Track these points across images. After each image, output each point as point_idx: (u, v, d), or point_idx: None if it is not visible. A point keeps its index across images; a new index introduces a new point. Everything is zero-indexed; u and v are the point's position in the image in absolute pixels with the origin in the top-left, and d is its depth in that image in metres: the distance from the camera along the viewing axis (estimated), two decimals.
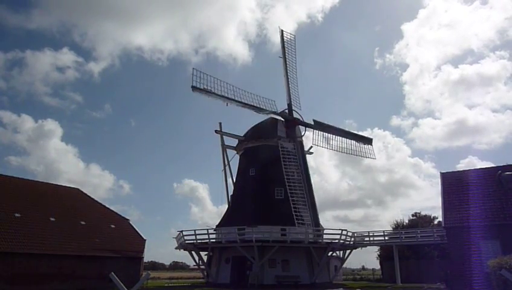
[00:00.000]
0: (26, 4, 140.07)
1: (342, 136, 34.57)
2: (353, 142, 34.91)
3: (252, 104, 32.09)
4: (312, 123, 33.86)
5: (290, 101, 33.86)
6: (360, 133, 36.80)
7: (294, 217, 28.05)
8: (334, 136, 34.06)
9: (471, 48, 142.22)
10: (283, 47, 35.50)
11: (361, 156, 35.44)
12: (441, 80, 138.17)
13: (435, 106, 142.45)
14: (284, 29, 36.17)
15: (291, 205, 28.57)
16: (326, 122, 34.20)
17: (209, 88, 29.97)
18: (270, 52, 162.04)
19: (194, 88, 29.39)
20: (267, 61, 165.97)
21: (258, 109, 32.22)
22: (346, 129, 36.14)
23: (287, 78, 34.32)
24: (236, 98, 31.40)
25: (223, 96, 30.67)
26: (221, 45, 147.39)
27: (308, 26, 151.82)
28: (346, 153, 34.78)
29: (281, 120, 33.43)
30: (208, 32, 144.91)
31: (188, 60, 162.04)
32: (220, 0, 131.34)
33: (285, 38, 36.01)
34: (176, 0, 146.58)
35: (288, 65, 34.87)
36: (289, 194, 29.08)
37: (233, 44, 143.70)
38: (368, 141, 35.94)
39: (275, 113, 33.14)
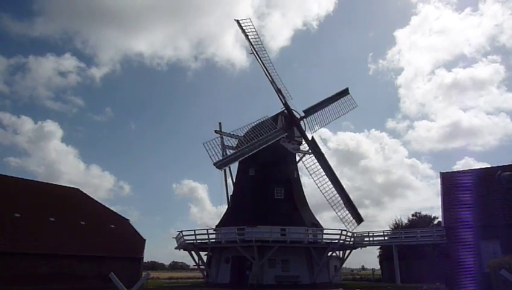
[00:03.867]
0: (29, 13, 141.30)
1: (328, 106, 34.30)
2: (336, 104, 34.68)
3: (261, 144, 29.72)
4: (303, 114, 33.49)
5: (286, 101, 33.34)
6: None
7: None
8: (329, 131, 33.80)
9: (463, 54, 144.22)
10: (247, 39, 33.14)
11: (347, 111, 35.23)
12: (435, 83, 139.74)
13: (429, 109, 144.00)
14: (238, 19, 33.61)
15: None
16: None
17: (227, 156, 29.38)
18: (266, 58, 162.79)
19: (216, 165, 27.59)
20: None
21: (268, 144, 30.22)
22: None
23: (271, 76, 32.77)
24: (248, 149, 29.13)
25: (239, 155, 29.33)
26: (219, 52, 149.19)
27: (304, 34, 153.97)
28: (335, 118, 34.69)
29: (281, 120, 33.29)
30: (206, 39, 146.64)
31: (188, 66, 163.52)
32: (219, 8, 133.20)
33: (244, 27, 33.35)
34: (176, 9, 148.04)
35: (262, 58, 33.02)
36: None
37: (231, 50, 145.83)
38: (344, 92, 35.42)
39: (276, 134, 31.09)
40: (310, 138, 33.21)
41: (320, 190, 31.53)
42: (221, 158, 28.32)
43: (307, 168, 32.24)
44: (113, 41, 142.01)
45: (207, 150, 27.67)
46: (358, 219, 31.62)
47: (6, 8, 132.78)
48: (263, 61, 33.07)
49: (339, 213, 31.12)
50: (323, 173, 31.96)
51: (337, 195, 31.46)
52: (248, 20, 34.14)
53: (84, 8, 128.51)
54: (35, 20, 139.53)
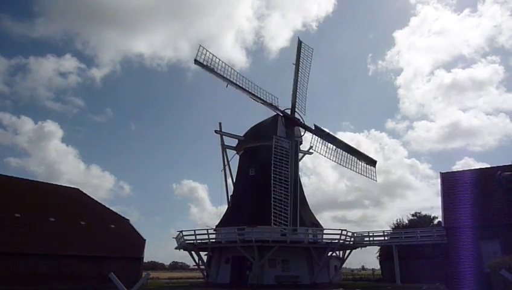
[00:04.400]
0: (30, 14, 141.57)
1: (343, 150, 33.23)
2: (357, 159, 33.52)
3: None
4: (312, 128, 33.31)
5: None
6: (363, 152, 34.63)
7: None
8: (334, 146, 33.11)
9: (462, 54, 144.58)
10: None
11: (361, 174, 33.66)
12: (434, 84, 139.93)
13: (429, 110, 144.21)
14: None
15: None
16: (327, 130, 33.71)
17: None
18: (266, 58, 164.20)
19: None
20: (263, 67, 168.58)
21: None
22: (353, 146, 34.49)
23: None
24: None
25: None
26: (219, 53, 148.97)
27: (303, 35, 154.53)
28: (345, 166, 33.27)
29: (281, 120, 33.32)
30: (206, 40, 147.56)
31: (188, 67, 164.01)
32: (219, 9, 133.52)
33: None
34: (176, 10, 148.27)
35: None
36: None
37: (231, 51, 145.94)
38: (371, 162, 34.16)
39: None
40: (313, 128, 33.42)
41: (336, 161, 33.21)
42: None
43: (319, 153, 33.16)
44: (113, 43, 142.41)
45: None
46: (372, 162, 34.14)
47: (6, 10, 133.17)
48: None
49: (357, 169, 33.31)
50: (334, 147, 33.18)
51: (349, 155, 33.40)
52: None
53: (84, 9, 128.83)
54: (36, 21, 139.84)
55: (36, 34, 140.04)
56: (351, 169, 33.53)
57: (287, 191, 28.95)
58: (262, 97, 32.18)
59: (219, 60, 30.92)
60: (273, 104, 32.72)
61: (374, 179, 34.07)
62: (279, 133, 32.53)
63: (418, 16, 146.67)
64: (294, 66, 35.16)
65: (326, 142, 33.04)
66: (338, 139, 33.95)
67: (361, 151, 34.88)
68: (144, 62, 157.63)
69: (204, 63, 30.04)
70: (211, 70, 30.32)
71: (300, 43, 36.39)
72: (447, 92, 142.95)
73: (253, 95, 31.83)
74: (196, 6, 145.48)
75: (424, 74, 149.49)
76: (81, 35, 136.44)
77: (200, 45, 30.27)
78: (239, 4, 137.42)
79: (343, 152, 33.30)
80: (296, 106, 33.79)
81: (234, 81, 31.18)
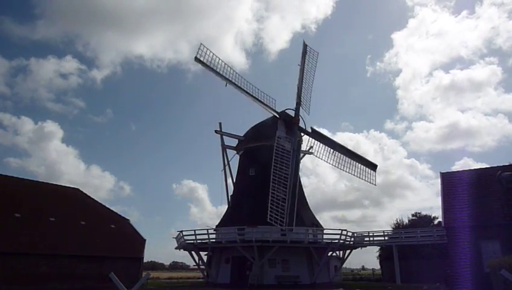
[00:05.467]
0: (31, 16, 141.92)
1: (341, 153, 32.96)
2: (356, 163, 33.18)
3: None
4: (309, 131, 33.02)
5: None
6: (362, 155, 34.46)
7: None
8: (328, 131, 33.86)
9: (460, 56, 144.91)
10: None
11: (360, 178, 33.23)
12: (433, 85, 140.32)
13: (427, 110, 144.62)
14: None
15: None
16: (325, 133, 34.01)
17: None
18: (266, 60, 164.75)
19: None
20: (263, 69, 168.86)
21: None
22: (352, 150, 34.34)
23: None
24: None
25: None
26: (219, 54, 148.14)
27: (302, 37, 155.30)
28: (344, 170, 32.87)
29: (281, 120, 33.28)
30: (206, 42, 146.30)
31: (188, 68, 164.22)
32: (218, 12, 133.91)
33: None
34: (176, 12, 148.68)
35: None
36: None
37: (231, 53, 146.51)
38: (371, 165, 33.88)
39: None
40: (310, 131, 33.23)
41: (334, 165, 32.89)
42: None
43: (316, 156, 32.85)
44: (114, 44, 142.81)
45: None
46: (372, 166, 33.67)
47: (8, 12, 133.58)
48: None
49: (355, 172, 32.87)
50: (332, 150, 32.84)
51: (348, 158, 32.97)
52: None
53: (85, 11, 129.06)
54: (37, 23, 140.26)
55: (37, 35, 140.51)
56: (349, 173, 32.99)
57: (286, 190, 28.98)
58: (260, 98, 32.07)
59: (219, 59, 30.93)
60: (270, 105, 32.58)
61: (373, 184, 33.45)
62: (279, 133, 32.49)
63: (416, 18, 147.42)
64: (299, 66, 34.92)
65: (324, 145, 32.75)
66: (336, 142, 33.62)
67: (361, 154, 34.42)
68: (144, 64, 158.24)
69: (204, 61, 30.05)
70: (210, 68, 30.35)
71: (305, 46, 36.18)
72: (446, 93, 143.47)
73: (251, 95, 31.77)
74: (196, 8, 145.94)
75: (423, 75, 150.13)
76: (82, 37, 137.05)
77: (201, 43, 30.28)
78: (239, 6, 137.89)
79: (342, 155, 32.88)
80: (301, 107, 33.55)
81: (233, 81, 31.13)
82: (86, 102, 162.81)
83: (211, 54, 30.52)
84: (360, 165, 33.35)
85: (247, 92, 31.67)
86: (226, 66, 31.18)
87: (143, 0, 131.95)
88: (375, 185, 33.64)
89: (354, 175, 33.18)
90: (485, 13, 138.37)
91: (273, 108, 32.90)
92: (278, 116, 33.07)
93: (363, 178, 33.30)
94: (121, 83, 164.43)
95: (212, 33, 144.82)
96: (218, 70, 30.63)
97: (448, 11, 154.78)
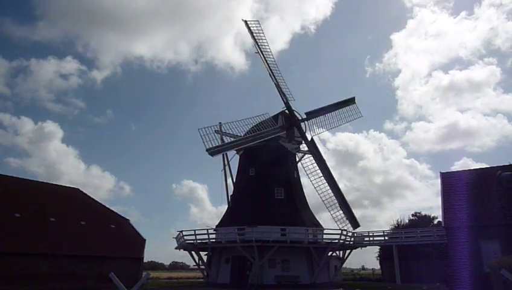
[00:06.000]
0: (31, 17, 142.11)
1: (331, 112, 34.25)
2: (340, 111, 34.66)
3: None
4: (305, 116, 33.44)
5: (287, 100, 33.33)
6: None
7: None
8: (328, 132, 34.30)
9: (459, 56, 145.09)
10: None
11: (351, 120, 35.34)
12: (432, 85, 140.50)
13: (427, 111, 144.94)
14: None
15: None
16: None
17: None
18: (272, 59, 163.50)
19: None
20: (262, 70, 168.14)
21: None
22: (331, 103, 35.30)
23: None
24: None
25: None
26: (219, 55, 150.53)
27: (302, 37, 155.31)
28: (338, 125, 34.78)
29: (281, 120, 33.28)
30: (206, 43, 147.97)
31: (187, 69, 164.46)
32: (218, 12, 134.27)
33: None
34: (176, 13, 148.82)
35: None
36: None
37: (230, 54, 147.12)
38: (349, 101, 35.27)
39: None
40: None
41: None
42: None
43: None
44: (114, 45, 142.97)
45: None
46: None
47: (8, 13, 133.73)
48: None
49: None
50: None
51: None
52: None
53: (85, 12, 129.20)
54: (37, 24, 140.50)
55: (37, 36, 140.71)
56: (342, 123, 34.88)
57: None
58: (264, 134, 30.68)
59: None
60: (275, 129, 31.45)
61: (359, 116, 35.20)
62: (279, 133, 32.50)
63: (415, 19, 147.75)
64: (259, 55, 33.17)
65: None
66: (323, 106, 34.31)
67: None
68: (144, 64, 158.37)
69: (215, 144, 27.95)
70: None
71: (246, 23, 33.67)
72: (445, 94, 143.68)
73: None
74: (196, 9, 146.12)
75: (422, 75, 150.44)
76: (82, 38, 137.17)
77: (199, 129, 28.07)
78: (238, 7, 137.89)
79: (332, 114, 34.32)
80: (289, 100, 33.40)
81: (243, 142, 30.21)
82: (86, 102, 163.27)
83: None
84: (344, 109, 34.81)
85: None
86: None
87: (143, 1, 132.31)
88: (361, 116, 35.43)
89: (346, 122, 35.24)
90: (483, 14, 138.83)
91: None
92: (287, 111, 33.30)
93: (352, 118, 35.17)
94: (121, 83, 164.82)
95: (212, 34, 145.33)
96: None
97: (447, 12, 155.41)
